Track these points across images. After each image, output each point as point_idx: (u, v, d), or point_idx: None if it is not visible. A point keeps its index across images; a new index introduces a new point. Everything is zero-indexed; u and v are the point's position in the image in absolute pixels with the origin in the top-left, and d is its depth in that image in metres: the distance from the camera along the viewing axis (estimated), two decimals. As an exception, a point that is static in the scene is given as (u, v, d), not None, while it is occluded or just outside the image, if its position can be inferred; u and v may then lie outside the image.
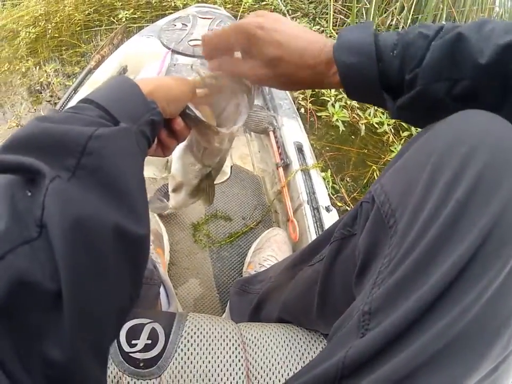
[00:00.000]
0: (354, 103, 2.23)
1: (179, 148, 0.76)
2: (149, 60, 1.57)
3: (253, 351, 0.65)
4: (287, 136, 1.35)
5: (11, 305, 0.27)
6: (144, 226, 0.42)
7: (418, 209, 0.39)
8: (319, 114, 2.05)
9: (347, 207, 1.59)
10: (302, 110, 2.07)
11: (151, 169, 1.33)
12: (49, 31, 3.01)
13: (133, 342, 0.63)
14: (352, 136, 2.08)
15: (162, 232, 1.11)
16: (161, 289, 0.94)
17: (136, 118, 0.48)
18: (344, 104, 2.17)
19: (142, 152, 0.49)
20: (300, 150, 1.33)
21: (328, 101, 2.08)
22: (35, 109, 2.02)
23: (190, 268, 1.11)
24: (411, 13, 3.05)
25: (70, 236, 0.31)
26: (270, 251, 1.04)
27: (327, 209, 1.14)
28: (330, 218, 1.11)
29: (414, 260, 0.36)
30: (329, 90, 2.18)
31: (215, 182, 0.86)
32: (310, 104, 2.10)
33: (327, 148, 1.92)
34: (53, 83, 2.14)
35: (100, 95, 0.48)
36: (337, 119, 1.96)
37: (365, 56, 0.50)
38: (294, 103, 1.76)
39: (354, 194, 1.68)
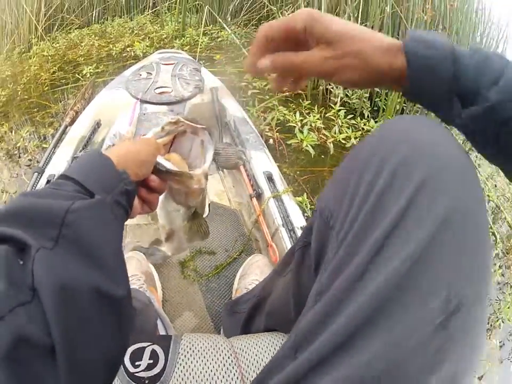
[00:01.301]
0: (320, 124, 2.38)
1: (160, 198, 0.81)
2: (120, 112, 1.67)
3: (244, 358, 0.76)
4: (256, 167, 1.49)
5: (13, 357, 0.33)
6: (122, 287, 0.48)
7: (349, 208, 0.49)
8: (288, 142, 2.16)
9: None
10: (271, 141, 2.19)
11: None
12: (19, 92, 3.14)
13: (137, 363, 0.74)
14: (322, 156, 2.20)
15: (153, 272, 1.22)
16: (158, 322, 1.05)
17: (109, 189, 0.55)
18: (310, 126, 2.30)
19: (119, 220, 0.56)
20: (269, 178, 1.46)
21: (295, 126, 2.20)
22: (17, 174, 2.12)
23: (182, 303, 1.22)
24: (359, 21, 3.18)
25: (57, 298, 0.38)
26: (253, 275, 1.16)
27: (302, 229, 1.24)
28: None
29: (344, 253, 0.47)
30: (294, 116, 2.33)
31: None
32: (277, 134, 2.22)
33: (298, 172, 2.05)
34: (30, 147, 2.25)
35: (76, 170, 0.56)
36: (306, 144, 2.08)
37: (441, 51, 0.49)
38: (262, 136, 1.90)
39: None
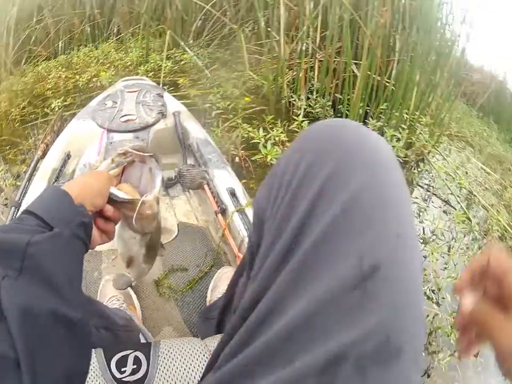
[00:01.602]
0: (284, 137, 2.50)
1: (117, 227, 0.87)
2: (88, 142, 1.73)
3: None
4: (219, 185, 1.59)
5: None
6: (78, 310, 0.55)
7: (274, 202, 0.56)
8: (253, 158, 2.26)
9: None
10: (237, 159, 2.27)
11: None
12: None
13: (122, 369, 0.82)
14: None
15: (130, 292, 1.30)
16: (141, 336, 1.14)
17: (67, 222, 0.62)
18: (274, 141, 2.41)
19: (77, 250, 0.64)
20: (232, 194, 1.57)
21: (259, 142, 2.30)
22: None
23: (161, 319, 1.30)
24: (318, 32, 3.31)
25: (20, 320, 0.45)
26: (223, 286, 1.25)
27: None
28: None
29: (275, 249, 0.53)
30: (257, 133, 2.43)
31: (163, 242, 1.00)
32: (242, 151, 2.31)
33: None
34: (5, 185, 2.30)
35: (37, 206, 0.63)
36: (271, 158, 2.18)
37: None
38: (228, 155, 1.99)
39: None
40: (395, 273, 0.46)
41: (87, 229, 0.68)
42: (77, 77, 4.16)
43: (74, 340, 0.53)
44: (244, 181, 1.88)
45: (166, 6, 5.21)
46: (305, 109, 3.15)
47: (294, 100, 3.25)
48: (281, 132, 2.60)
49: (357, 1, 3.22)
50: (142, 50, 4.86)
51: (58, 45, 5.75)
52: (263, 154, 2.26)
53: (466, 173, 3.52)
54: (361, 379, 0.41)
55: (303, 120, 2.83)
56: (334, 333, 0.43)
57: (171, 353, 0.87)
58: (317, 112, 3.18)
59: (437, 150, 3.46)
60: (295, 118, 2.88)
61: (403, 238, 0.48)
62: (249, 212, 1.48)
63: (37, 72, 4.74)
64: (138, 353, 0.87)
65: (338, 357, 0.41)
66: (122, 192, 0.82)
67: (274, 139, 2.47)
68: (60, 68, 4.77)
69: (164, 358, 0.86)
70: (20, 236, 0.54)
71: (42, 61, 5.34)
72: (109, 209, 0.78)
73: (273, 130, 2.60)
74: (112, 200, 0.79)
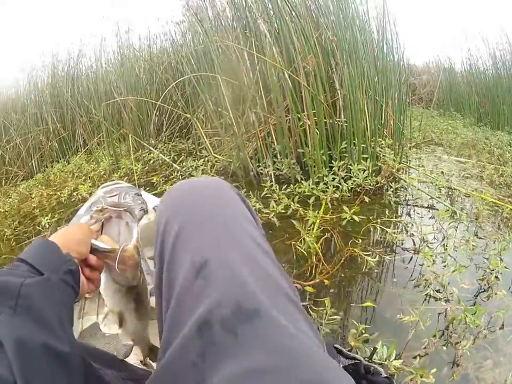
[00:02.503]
0: (259, 205, 2.76)
1: (103, 280, 0.96)
2: None
3: None
4: None
5: None
6: (66, 344, 0.62)
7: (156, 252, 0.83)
8: None
9: (294, 285, 2.00)
10: None
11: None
12: None
13: None
14: (270, 231, 2.55)
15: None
16: None
17: (55, 269, 0.72)
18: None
19: (67, 295, 0.73)
20: None
21: None
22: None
23: None
24: (263, 95, 3.63)
25: (16, 349, 0.53)
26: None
27: None
28: None
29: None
30: None
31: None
32: None
33: None
34: None
35: (28, 255, 0.73)
36: None
37: None
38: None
39: (294, 272, 2.10)
40: (220, 261, 0.71)
41: (75, 275, 0.78)
42: (58, 193, 4.44)
43: (64, 370, 0.61)
44: None
45: (121, 109, 5.51)
46: (274, 173, 3.44)
47: (261, 169, 3.55)
48: (256, 201, 2.87)
49: (288, 57, 3.51)
50: (112, 158, 5.14)
51: (32, 163, 6.27)
52: None
53: (442, 172, 3.79)
54: (234, 336, 0.60)
55: (272, 185, 3.14)
56: (194, 309, 0.65)
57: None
58: (285, 173, 3.45)
59: (405, 164, 3.75)
60: (265, 185, 3.17)
61: (221, 242, 0.74)
62: None
63: (19, 193, 5.10)
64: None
65: (205, 323, 0.63)
66: (102, 243, 0.91)
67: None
68: (39, 186, 5.13)
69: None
70: (14, 278, 0.64)
71: (21, 180, 5.90)
72: (92, 258, 0.89)
73: None
74: (94, 249, 0.89)
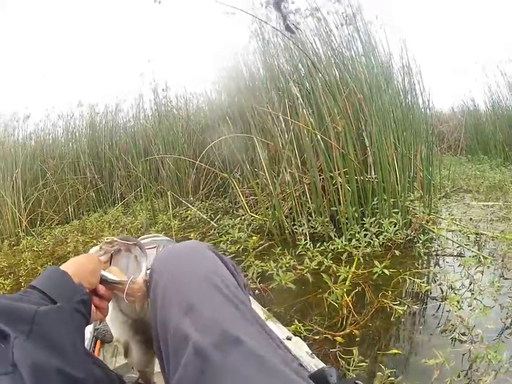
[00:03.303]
0: (294, 262, 3.01)
1: (110, 311, 1.02)
2: None
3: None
4: None
5: None
6: (80, 370, 0.68)
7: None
8: (271, 286, 2.70)
9: (324, 335, 2.17)
10: (257, 291, 2.73)
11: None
12: (22, 283, 3.86)
13: None
14: (303, 287, 2.78)
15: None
16: None
17: (68, 298, 0.79)
18: (286, 267, 2.92)
19: (79, 322, 0.81)
20: None
21: (273, 273, 2.80)
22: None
23: None
24: (298, 158, 3.88)
25: (32, 375, 0.59)
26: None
27: (288, 338, 1.74)
28: (293, 344, 1.69)
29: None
30: (269, 265, 2.93)
31: None
32: (260, 284, 2.82)
33: (287, 307, 2.56)
34: None
35: (41, 282, 0.80)
36: (286, 282, 2.63)
37: None
38: (248, 289, 2.50)
39: (326, 323, 2.30)
40: (202, 306, 0.83)
41: (87, 305, 0.84)
42: (94, 241, 4.71)
43: None
44: (266, 307, 2.25)
45: (159, 165, 5.91)
46: (308, 231, 3.70)
47: (295, 228, 3.82)
48: (290, 258, 3.08)
49: (319, 117, 3.84)
50: (149, 212, 5.45)
51: (68, 209, 6.62)
52: (278, 281, 2.68)
53: (471, 219, 4.02)
54: (203, 360, 0.72)
55: (306, 243, 3.39)
56: (188, 340, 0.77)
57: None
58: (319, 231, 3.73)
59: (435, 215, 3.99)
60: (299, 243, 3.40)
61: (201, 290, 0.88)
62: (270, 323, 1.85)
63: (54, 236, 5.42)
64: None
65: (199, 347, 0.74)
66: (111, 274, 0.98)
67: (286, 266, 2.96)
68: (75, 232, 5.42)
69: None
70: (28, 305, 0.70)
71: (56, 224, 6.23)
72: (102, 288, 0.96)
73: (282, 259, 3.04)
74: (103, 280, 0.95)
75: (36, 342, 0.64)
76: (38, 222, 6.43)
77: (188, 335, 0.78)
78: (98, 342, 1.67)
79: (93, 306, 0.93)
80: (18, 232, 5.92)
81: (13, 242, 5.77)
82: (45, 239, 5.46)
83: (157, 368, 1.18)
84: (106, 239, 1.08)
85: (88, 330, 1.71)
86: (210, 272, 0.93)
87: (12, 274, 4.12)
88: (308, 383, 0.76)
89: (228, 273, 0.99)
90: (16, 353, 0.60)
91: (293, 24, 3.79)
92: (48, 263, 4.33)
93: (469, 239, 3.42)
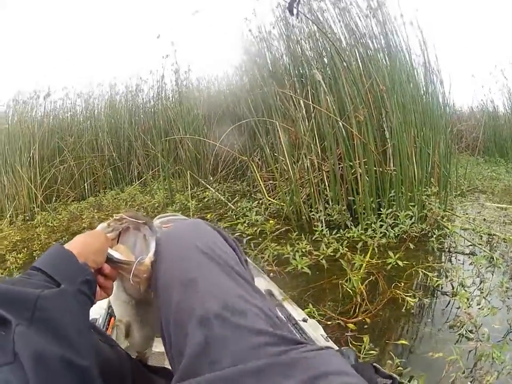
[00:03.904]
0: (310, 247, 3.05)
1: (114, 290, 0.98)
2: None
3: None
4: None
5: None
6: (85, 358, 0.65)
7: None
8: (286, 270, 2.78)
9: (336, 321, 2.21)
10: (272, 274, 2.75)
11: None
12: (35, 258, 3.68)
13: None
14: (317, 273, 2.82)
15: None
16: None
17: (73, 279, 0.75)
18: (302, 252, 2.95)
19: (83, 305, 0.76)
20: (270, 294, 2.04)
21: (289, 256, 2.85)
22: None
23: None
24: (318, 145, 3.90)
25: (34, 363, 0.55)
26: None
27: (304, 320, 1.78)
28: (309, 326, 1.73)
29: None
30: (286, 249, 2.99)
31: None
32: (276, 267, 2.85)
33: (302, 291, 2.60)
34: None
35: (44, 263, 0.76)
36: (301, 267, 2.67)
37: None
38: (264, 271, 2.55)
39: (339, 309, 2.34)
40: (203, 280, 0.85)
41: (92, 285, 0.81)
42: (110, 217, 4.70)
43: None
44: (282, 289, 2.22)
45: (179, 146, 5.92)
46: (325, 218, 3.74)
47: (312, 214, 3.85)
48: (306, 244, 3.15)
49: (341, 106, 3.84)
50: (166, 192, 5.47)
51: (84, 186, 6.68)
52: (294, 265, 2.73)
53: (484, 219, 4.04)
54: (207, 330, 0.74)
55: (323, 229, 3.45)
56: (192, 313, 0.78)
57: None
58: (335, 219, 3.81)
59: (450, 212, 4.01)
60: (317, 229, 3.47)
61: (202, 264, 0.88)
62: (287, 305, 1.93)
63: (70, 212, 5.45)
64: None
65: (203, 319, 0.76)
66: (118, 253, 0.94)
67: (302, 251, 3.01)
68: (91, 209, 5.46)
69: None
70: (30, 289, 0.66)
71: (72, 201, 6.27)
72: (107, 267, 0.92)
73: (299, 244, 3.13)
74: (109, 259, 0.92)
75: (39, 329, 0.61)
76: (54, 198, 6.47)
77: (191, 308, 0.79)
78: (112, 319, 1.67)
79: (98, 286, 0.90)
80: (33, 207, 5.96)
81: (27, 217, 5.81)
82: (60, 214, 5.49)
83: (154, 349, 1.24)
84: (115, 216, 1.06)
85: (103, 306, 1.74)
86: (211, 247, 0.93)
87: (26, 249, 4.14)
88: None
89: (229, 248, 0.99)
90: (18, 341, 0.56)
91: (295, 7, 3.70)
92: (63, 238, 4.36)
93: (481, 238, 3.44)
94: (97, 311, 1.75)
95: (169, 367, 0.93)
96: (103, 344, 0.95)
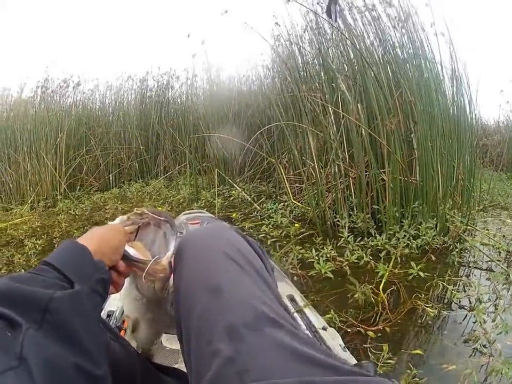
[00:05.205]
0: (334, 253, 3.06)
1: (124, 287, 0.94)
2: None
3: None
4: (281, 293, 1.92)
5: None
6: (99, 366, 0.62)
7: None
8: (310, 274, 2.78)
9: (357, 328, 2.22)
10: (295, 278, 2.80)
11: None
12: (55, 245, 3.89)
13: None
14: (339, 279, 2.82)
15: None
16: None
17: (86, 278, 0.70)
18: (326, 257, 2.97)
19: (97, 305, 0.73)
20: (292, 299, 2.04)
21: (313, 261, 2.88)
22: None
23: None
24: (346, 152, 3.93)
25: (42, 368, 0.52)
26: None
27: (324, 328, 1.78)
28: (328, 335, 1.74)
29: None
30: (310, 253, 3.01)
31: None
32: (300, 270, 2.88)
33: (324, 297, 2.61)
34: None
35: (57, 258, 0.71)
36: (325, 271, 2.70)
37: None
38: (288, 274, 2.60)
39: (360, 317, 2.33)
40: (230, 287, 0.81)
41: (106, 284, 0.77)
42: (134, 209, 4.79)
43: None
44: (304, 294, 2.27)
45: (207, 143, 5.98)
46: (349, 225, 3.74)
47: (338, 220, 3.86)
48: (331, 249, 3.14)
49: (371, 114, 3.86)
50: (192, 188, 5.52)
51: (109, 177, 6.79)
52: (317, 270, 2.76)
53: (504, 236, 3.99)
54: (237, 340, 0.70)
55: (349, 235, 3.43)
56: (218, 322, 0.75)
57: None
58: (359, 226, 3.76)
59: (472, 226, 3.99)
60: (341, 235, 3.46)
61: (229, 269, 0.86)
62: (308, 312, 1.93)
63: (93, 201, 5.53)
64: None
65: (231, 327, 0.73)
66: (134, 251, 0.92)
67: (326, 256, 3.02)
68: (115, 200, 5.49)
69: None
70: (41, 290, 0.61)
71: (95, 191, 6.36)
72: (121, 265, 0.89)
73: (323, 249, 3.12)
74: (124, 256, 0.89)
75: (49, 333, 0.57)
76: (78, 187, 6.55)
77: (216, 315, 0.76)
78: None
79: None
80: (56, 194, 6.04)
81: (48, 204, 5.89)
82: (83, 203, 5.56)
83: (166, 345, 1.31)
84: (136, 209, 1.03)
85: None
86: (236, 253, 0.90)
87: (46, 235, 4.19)
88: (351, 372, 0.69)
89: (254, 255, 0.96)
90: (27, 346, 0.52)
91: (336, 12, 3.79)
92: (85, 227, 4.39)
93: (500, 254, 3.44)
94: (114, 303, 1.78)
95: (181, 367, 0.94)
96: (114, 343, 0.94)
